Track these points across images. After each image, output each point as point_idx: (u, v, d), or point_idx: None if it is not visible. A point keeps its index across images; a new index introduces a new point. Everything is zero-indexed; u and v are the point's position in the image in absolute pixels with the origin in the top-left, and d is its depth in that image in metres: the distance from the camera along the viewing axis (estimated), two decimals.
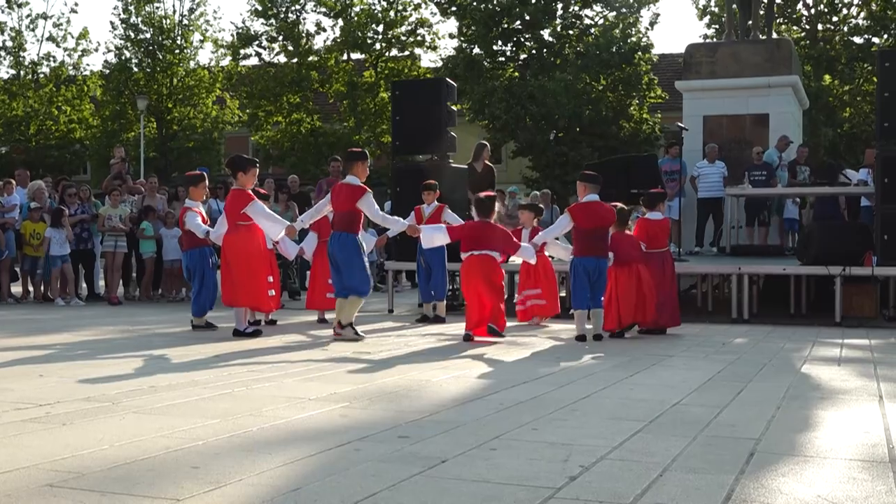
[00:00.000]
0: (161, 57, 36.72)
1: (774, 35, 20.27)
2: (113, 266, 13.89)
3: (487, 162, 13.72)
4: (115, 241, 13.84)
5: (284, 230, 8.81)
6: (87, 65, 40.15)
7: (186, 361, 6.75)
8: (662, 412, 4.72)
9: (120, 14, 37.12)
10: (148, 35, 36.92)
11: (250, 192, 8.73)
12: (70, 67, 38.63)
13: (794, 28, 34.73)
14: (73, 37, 38.84)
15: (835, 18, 34.63)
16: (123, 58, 37.10)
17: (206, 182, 9.82)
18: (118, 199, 14.01)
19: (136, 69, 37.07)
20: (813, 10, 34.65)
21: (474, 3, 31.75)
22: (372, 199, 8.60)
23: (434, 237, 8.91)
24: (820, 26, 34.50)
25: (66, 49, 38.67)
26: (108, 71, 37.44)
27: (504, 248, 8.70)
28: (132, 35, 36.95)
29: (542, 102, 29.86)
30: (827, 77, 32.52)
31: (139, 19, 37.00)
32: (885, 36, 33.07)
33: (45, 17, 38.60)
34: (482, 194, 9.12)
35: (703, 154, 15.24)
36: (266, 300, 8.95)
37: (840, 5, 34.40)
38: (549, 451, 3.76)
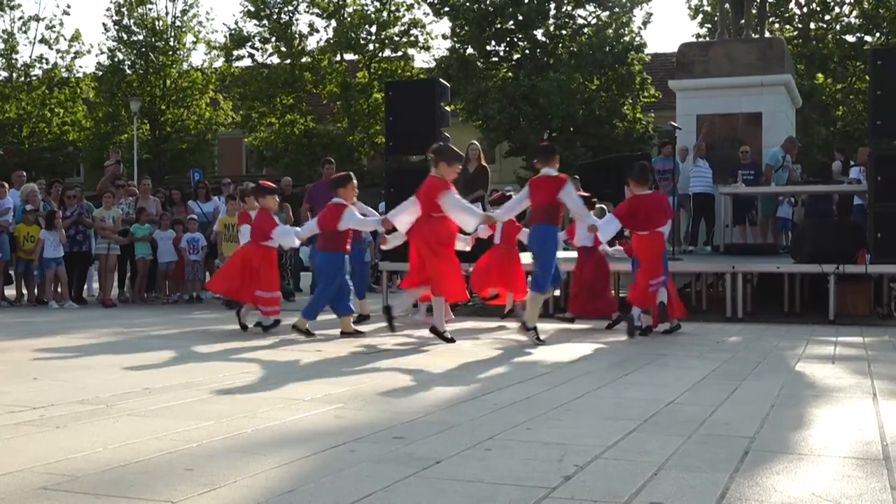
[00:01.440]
0: (154, 59, 36.73)
1: (767, 34, 20.31)
2: (106, 268, 13.87)
3: (483, 162, 13.69)
4: (109, 243, 13.82)
5: (481, 220, 8.63)
6: (80, 67, 40.27)
7: (181, 363, 6.74)
8: (657, 411, 4.73)
9: (112, 16, 37.16)
10: (141, 37, 36.93)
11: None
12: (63, 69, 38.65)
13: (787, 27, 34.80)
14: (65, 39, 38.92)
15: (827, 17, 34.71)
16: (116, 60, 37.11)
17: (354, 182, 9.13)
18: (111, 202, 14.00)
19: (128, 71, 37.07)
20: (805, 9, 34.73)
21: (467, 4, 31.78)
22: (573, 188, 8.49)
23: (609, 229, 8.90)
24: (812, 25, 34.58)
25: (58, 51, 38.79)
26: (100, 73, 37.46)
27: (666, 214, 8.67)
28: (125, 37, 36.97)
29: (536, 102, 29.90)
30: (820, 75, 32.59)
31: (132, 21, 37.02)
32: (878, 34, 33.17)
33: (37, 19, 38.66)
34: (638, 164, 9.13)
35: (685, 153, 15.20)
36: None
37: (832, 4, 34.50)
38: (543, 451, 3.76)
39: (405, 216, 8.53)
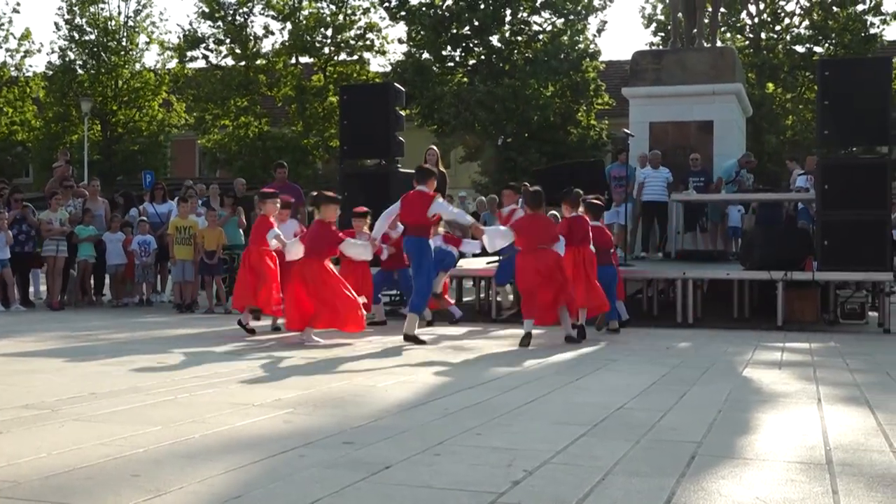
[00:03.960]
0: (106, 58, 36.21)
1: (719, 43, 20.55)
2: (54, 270, 13.65)
3: (441, 167, 13.65)
4: (56, 244, 13.60)
5: None
6: (30, 66, 39.53)
7: (128, 368, 6.66)
8: (607, 416, 4.76)
9: (64, 15, 36.54)
10: (92, 36, 36.37)
11: None
12: (12, 68, 37.93)
13: (738, 36, 35.22)
14: (15, 37, 38.15)
15: (777, 28, 35.19)
16: (67, 59, 36.51)
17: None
18: (58, 204, 13.78)
19: (80, 71, 36.50)
20: (756, 19, 35.20)
21: (423, 9, 31.78)
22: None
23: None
24: (763, 35, 35.03)
25: (7, 50, 37.99)
26: (51, 72, 36.84)
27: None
28: (76, 36, 36.38)
29: (491, 108, 29.98)
30: (770, 85, 33.05)
31: (84, 20, 36.44)
32: (827, 45, 33.71)
33: None
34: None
35: (647, 160, 15.30)
36: None
37: (783, 15, 35.00)
38: (493, 456, 3.77)
39: None
